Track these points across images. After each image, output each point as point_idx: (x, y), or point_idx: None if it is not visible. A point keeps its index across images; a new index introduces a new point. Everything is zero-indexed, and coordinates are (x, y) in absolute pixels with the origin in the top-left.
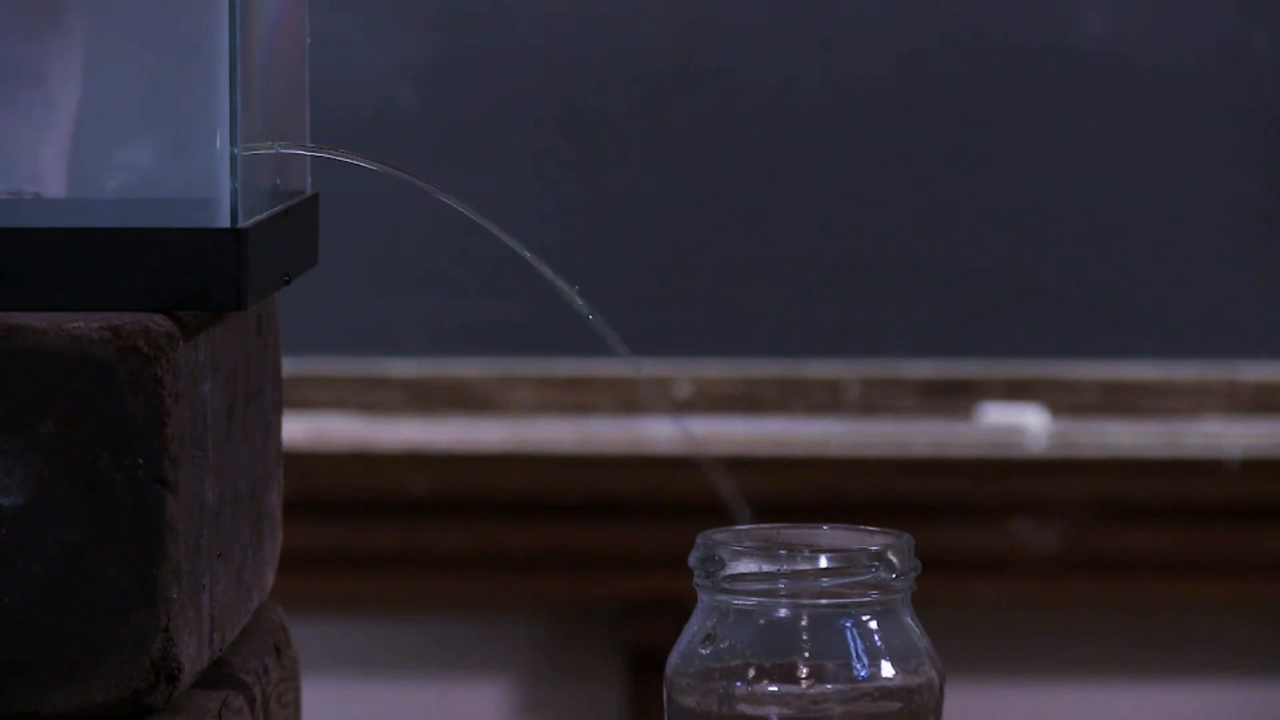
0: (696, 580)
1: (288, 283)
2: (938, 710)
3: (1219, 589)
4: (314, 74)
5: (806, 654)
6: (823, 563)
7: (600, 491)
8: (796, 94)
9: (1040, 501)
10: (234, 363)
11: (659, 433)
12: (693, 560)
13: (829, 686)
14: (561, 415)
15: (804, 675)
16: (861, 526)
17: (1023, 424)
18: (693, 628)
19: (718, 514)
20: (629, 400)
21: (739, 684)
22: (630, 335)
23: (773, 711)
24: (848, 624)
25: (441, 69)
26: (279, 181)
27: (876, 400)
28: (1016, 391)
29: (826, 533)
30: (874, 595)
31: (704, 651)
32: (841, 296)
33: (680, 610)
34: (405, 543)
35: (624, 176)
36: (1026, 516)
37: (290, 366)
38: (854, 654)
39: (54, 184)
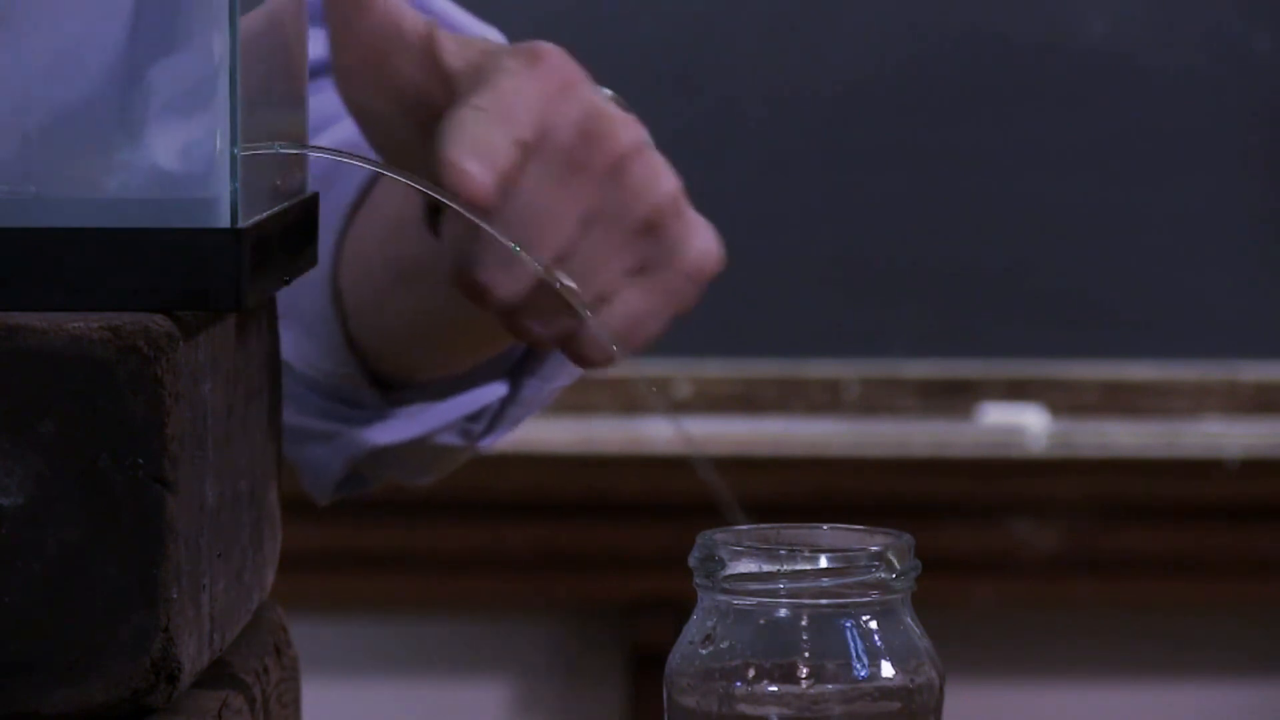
0: (696, 580)
1: (287, 283)
2: (938, 710)
3: (1219, 589)
4: None
5: (806, 654)
6: (823, 563)
7: (600, 491)
8: (797, 94)
9: (1040, 501)
10: (234, 363)
11: (659, 433)
12: (693, 560)
13: (829, 686)
14: (561, 415)
15: (804, 675)
16: (861, 526)
17: (1023, 424)
18: (693, 628)
19: (718, 514)
20: (629, 400)
21: (739, 684)
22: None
23: (773, 711)
24: (848, 624)
25: None
26: (279, 181)
27: (876, 400)
28: (1016, 391)
29: (826, 533)
30: (874, 595)
31: (704, 651)
32: (841, 296)
33: (680, 610)
34: (405, 543)
35: None
36: (1026, 516)
37: None
38: (854, 654)
39: (53, 182)
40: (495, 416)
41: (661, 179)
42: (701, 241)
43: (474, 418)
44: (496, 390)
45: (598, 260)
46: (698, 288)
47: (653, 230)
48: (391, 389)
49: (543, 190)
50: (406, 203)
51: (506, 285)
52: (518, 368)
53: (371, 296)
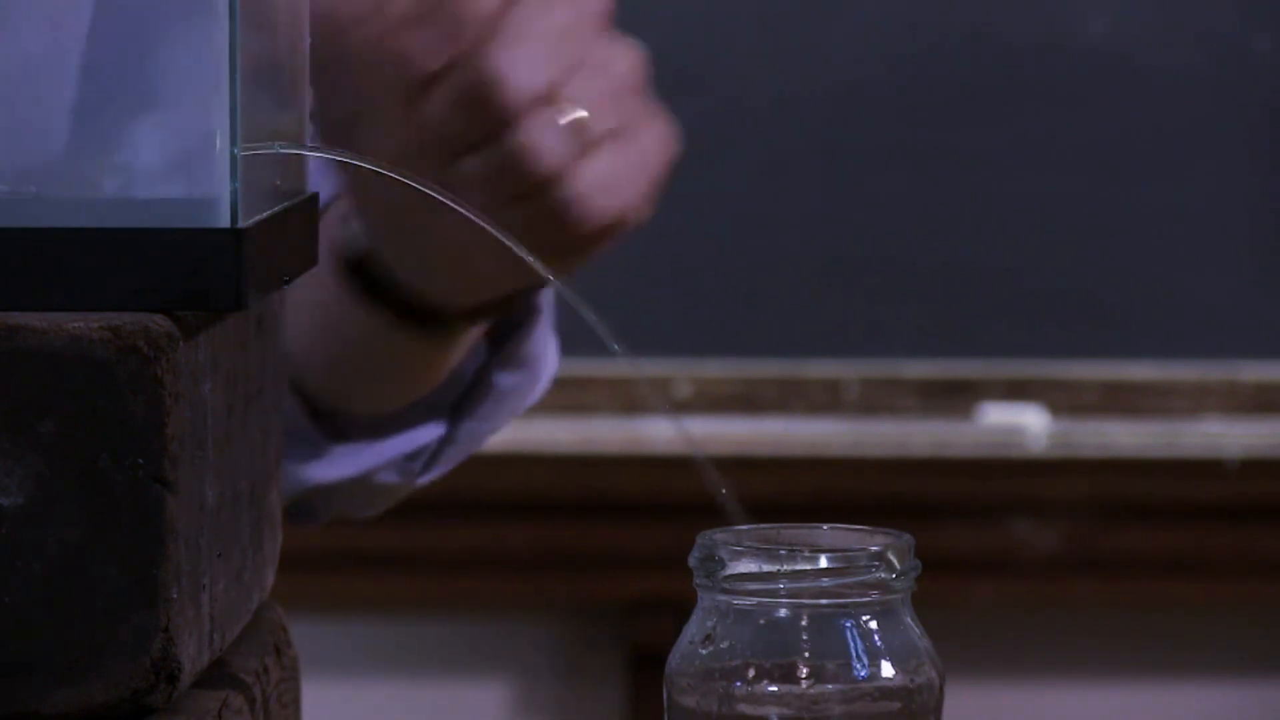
0: (696, 580)
1: (288, 283)
2: (938, 710)
3: (1219, 589)
4: None
5: (806, 654)
6: (823, 563)
7: (600, 491)
8: (797, 94)
9: (1040, 501)
10: (234, 363)
11: (659, 433)
12: (693, 560)
13: (829, 686)
14: (561, 415)
15: (804, 675)
16: (861, 526)
17: (1023, 424)
18: (693, 628)
19: (718, 514)
20: (629, 400)
21: (739, 684)
22: (630, 335)
23: (773, 711)
24: (848, 624)
25: None
26: (279, 181)
27: (876, 400)
28: (1016, 391)
29: (826, 533)
30: (874, 595)
31: (704, 651)
32: (841, 296)
33: (680, 610)
34: (405, 543)
35: None
36: (1026, 516)
37: None
38: (854, 654)
39: (53, 182)
40: (433, 456)
41: (633, 51)
42: (663, 125)
43: (412, 457)
44: (434, 430)
45: (586, 104)
46: (659, 172)
47: (628, 96)
48: (331, 423)
49: (541, 20)
50: (327, 249)
51: (427, 50)
52: (455, 409)
53: (298, 340)
